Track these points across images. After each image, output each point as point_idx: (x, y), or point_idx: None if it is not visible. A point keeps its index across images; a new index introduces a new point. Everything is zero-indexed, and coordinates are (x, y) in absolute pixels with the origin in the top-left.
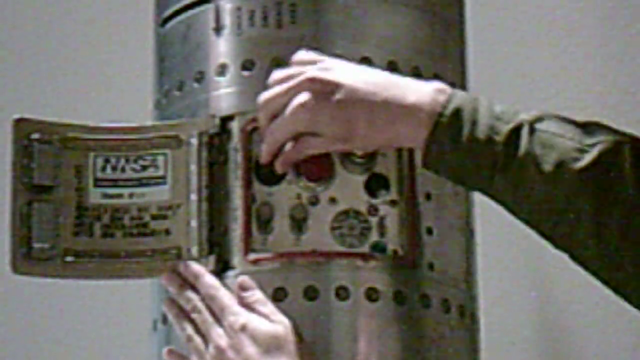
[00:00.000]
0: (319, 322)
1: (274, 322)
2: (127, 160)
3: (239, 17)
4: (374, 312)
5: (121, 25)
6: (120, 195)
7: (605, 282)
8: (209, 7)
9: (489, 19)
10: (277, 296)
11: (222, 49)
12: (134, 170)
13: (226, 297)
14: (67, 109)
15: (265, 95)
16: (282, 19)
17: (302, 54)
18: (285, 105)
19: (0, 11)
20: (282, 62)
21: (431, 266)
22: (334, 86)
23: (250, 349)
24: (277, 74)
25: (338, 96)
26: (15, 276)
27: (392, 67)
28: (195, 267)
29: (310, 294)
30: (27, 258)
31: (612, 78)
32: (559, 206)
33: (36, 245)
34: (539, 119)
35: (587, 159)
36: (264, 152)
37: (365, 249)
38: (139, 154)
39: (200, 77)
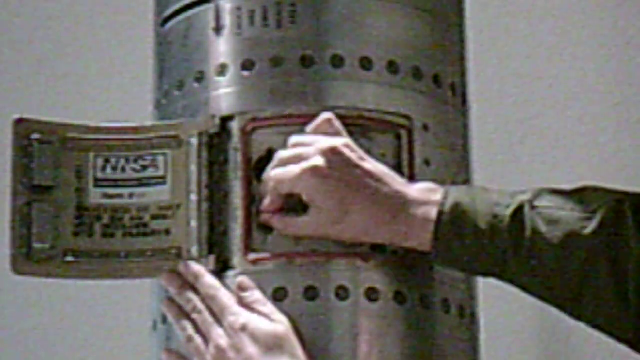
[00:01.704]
0: (319, 322)
1: (274, 322)
2: (127, 160)
3: (239, 17)
4: (374, 312)
5: (121, 25)
6: (120, 195)
7: (633, 346)
8: (209, 7)
9: (489, 19)
10: (277, 296)
11: (222, 49)
12: (134, 170)
13: (226, 298)
14: (67, 109)
15: (282, 155)
16: (282, 19)
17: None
18: (298, 159)
19: (0, 11)
20: (282, 62)
21: (431, 266)
22: (351, 166)
23: (250, 348)
24: (298, 141)
25: (347, 175)
26: (15, 276)
27: (392, 67)
28: (195, 267)
29: (310, 294)
30: (27, 258)
31: (612, 78)
32: (577, 274)
33: (36, 245)
34: (536, 197)
35: (594, 223)
36: (267, 201)
37: (365, 249)
38: (139, 154)
39: (200, 77)
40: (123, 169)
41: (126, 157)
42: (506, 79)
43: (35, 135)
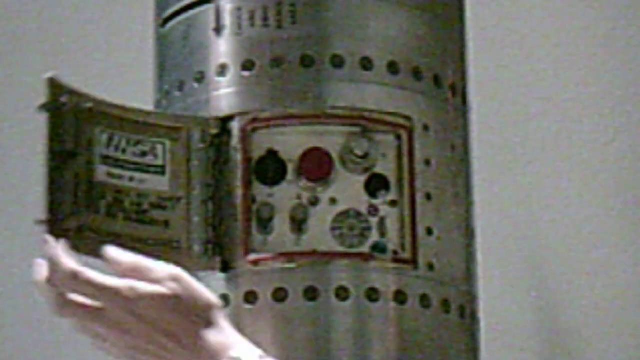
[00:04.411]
0: (319, 322)
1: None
2: (127, 142)
3: (239, 17)
4: (374, 312)
5: (121, 25)
6: (121, 177)
7: None
8: (209, 7)
9: (489, 19)
10: (277, 296)
11: (222, 49)
12: (133, 153)
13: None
14: None
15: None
16: (282, 19)
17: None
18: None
19: (0, 11)
20: (282, 61)
21: (431, 266)
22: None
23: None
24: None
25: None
26: (14, 276)
27: (392, 67)
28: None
29: (310, 294)
30: (53, 225)
31: (612, 78)
32: None
33: (58, 214)
34: None
35: None
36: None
37: (365, 249)
38: (138, 138)
39: (200, 77)
40: (123, 150)
41: (127, 138)
42: (506, 79)
43: (63, 98)
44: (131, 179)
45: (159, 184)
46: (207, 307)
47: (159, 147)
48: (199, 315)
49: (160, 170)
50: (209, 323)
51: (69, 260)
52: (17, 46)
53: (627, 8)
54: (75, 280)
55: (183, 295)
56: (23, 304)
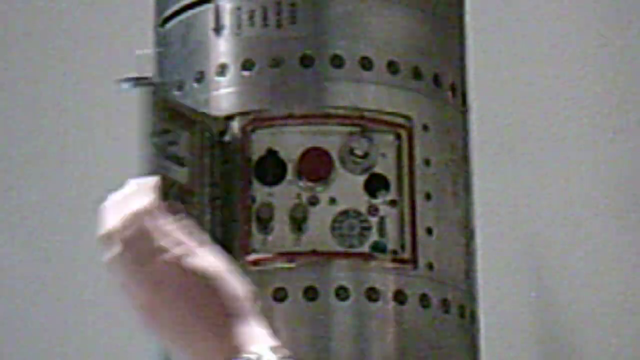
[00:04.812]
0: (319, 322)
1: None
2: (160, 128)
3: (239, 17)
4: (374, 312)
5: (121, 25)
6: (161, 163)
7: None
8: (209, 7)
9: (489, 19)
10: (277, 296)
11: (222, 49)
12: (164, 141)
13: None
14: (67, 108)
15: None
16: (282, 19)
17: None
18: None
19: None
20: (282, 62)
21: (431, 266)
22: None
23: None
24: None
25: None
26: (14, 276)
27: (392, 67)
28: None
29: (310, 294)
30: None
31: (612, 78)
32: None
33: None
34: None
35: None
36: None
37: (365, 249)
38: (167, 126)
39: (200, 77)
40: (159, 135)
41: (160, 123)
42: (506, 79)
43: (151, 77)
44: (165, 168)
45: (181, 175)
46: (245, 300)
47: (181, 139)
48: (235, 305)
49: (182, 161)
50: (241, 315)
51: (153, 197)
52: (16, 46)
53: (626, 8)
54: (148, 217)
55: (228, 281)
56: (23, 304)
